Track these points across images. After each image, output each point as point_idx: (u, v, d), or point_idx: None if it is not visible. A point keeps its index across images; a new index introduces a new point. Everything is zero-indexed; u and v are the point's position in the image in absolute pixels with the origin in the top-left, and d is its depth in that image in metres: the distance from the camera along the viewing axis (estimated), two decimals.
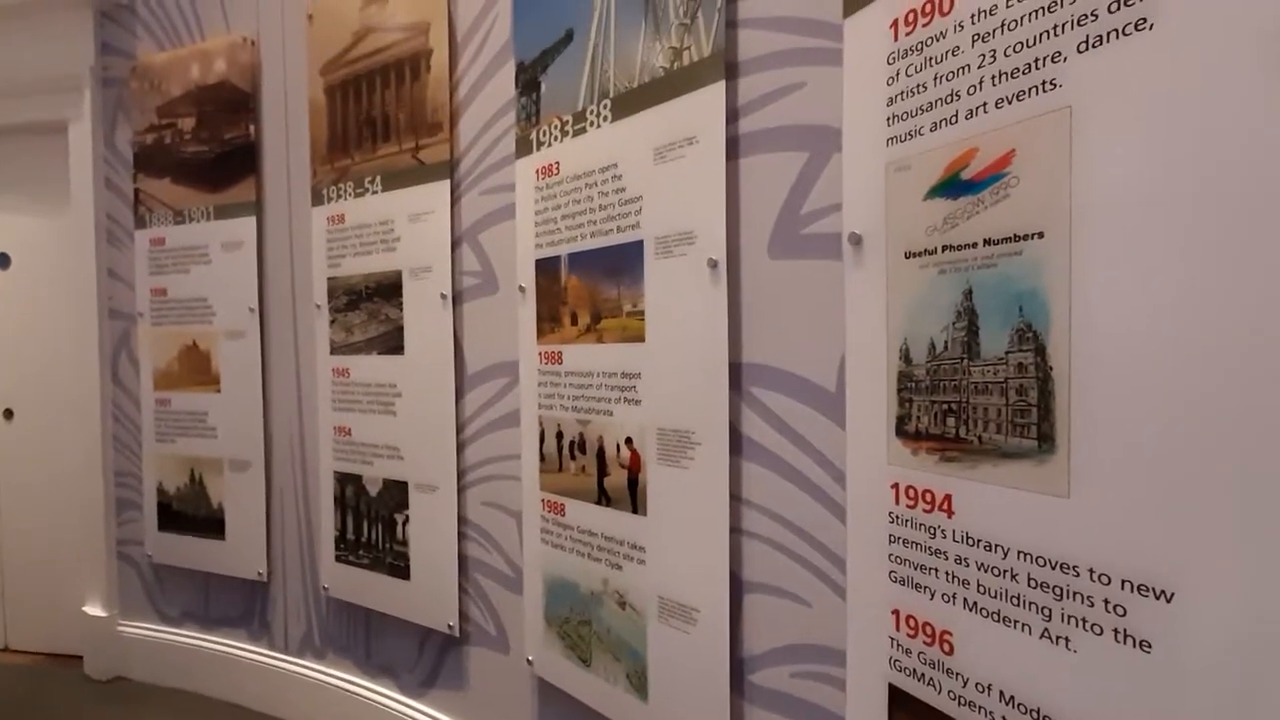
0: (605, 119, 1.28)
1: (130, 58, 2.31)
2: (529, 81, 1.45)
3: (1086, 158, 0.65)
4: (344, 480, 1.95)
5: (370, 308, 1.85)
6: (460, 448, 1.70)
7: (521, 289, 1.50)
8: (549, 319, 1.44)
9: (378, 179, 1.81)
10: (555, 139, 1.40)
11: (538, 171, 1.44)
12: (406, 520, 1.81)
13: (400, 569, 1.82)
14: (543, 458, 1.47)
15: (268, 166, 2.10)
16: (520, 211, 1.49)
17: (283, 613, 2.16)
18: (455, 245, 1.68)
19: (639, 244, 1.23)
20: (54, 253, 2.49)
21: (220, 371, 2.18)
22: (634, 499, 1.27)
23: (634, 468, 1.26)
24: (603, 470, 1.33)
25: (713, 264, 1.10)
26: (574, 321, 1.37)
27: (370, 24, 1.80)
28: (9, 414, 2.59)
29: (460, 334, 1.69)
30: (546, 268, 1.43)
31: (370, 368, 1.86)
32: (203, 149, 2.18)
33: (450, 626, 1.72)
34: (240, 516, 2.18)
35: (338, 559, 1.97)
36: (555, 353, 1.42)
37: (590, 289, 1.33)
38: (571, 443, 1.40)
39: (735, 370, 1.10)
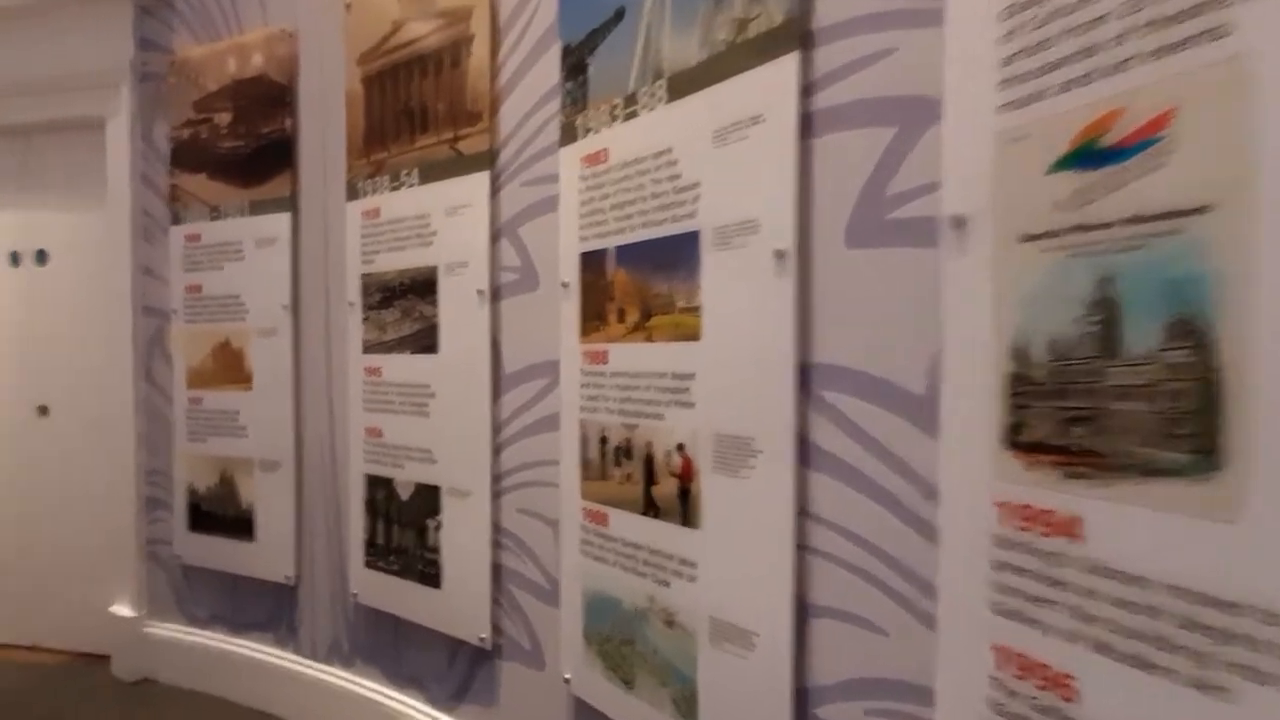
0: (660, 100, 1.19)
1: (168, 53, 2.30)
2: (575, 65, 1.38)
3: (1271, 116, 0.54)
4: (374, 483, 1.88)
5: (404, 305, 1.78)
6: (495, 452, 1.62)
7: (564, 285, 1.41)
8: (594, 316, 1.35)
9: (415, 171, 1.74)
10: (604, 124, 1.31)
11: (584, 160, 1.36)
12: (438, 526, 1.73)
13: (431, 577, 1.75)
14: (585, 464, 1.38)
15: (304, 161, 2.06)
16: (564, 203, 1.41)
17: (311, 618, 2.10)
18: (494, 239, 1.61)
19: (694, 235, 1.14)
20: (90, 249, 2.49)
21: (252, 370, 2.14)
22: (685, 510, 1.17)
23: (686, 476, 1.17)
24: (651, 478, 1.23)
25: (779, 255, 1.00)
26: (621, 319, 1.29)
27: (410, 12, 1.74)
28: (44, 411, 2.59)
29: (497, 332, 1.61)
30: (592, 262, 1.35)
31: (403, 367, 1.79)
32: (239, 144, 2.15)
33: (482, 639, 1.64)
34: (269, 518, 2.13)
35: (367, 564, 1.91)
36: (600, 352, 1.34)
37: (640, 284, 1.24)
38: (617, 448, 1.31)
39: (804, 371, 1.00)
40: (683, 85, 1.15)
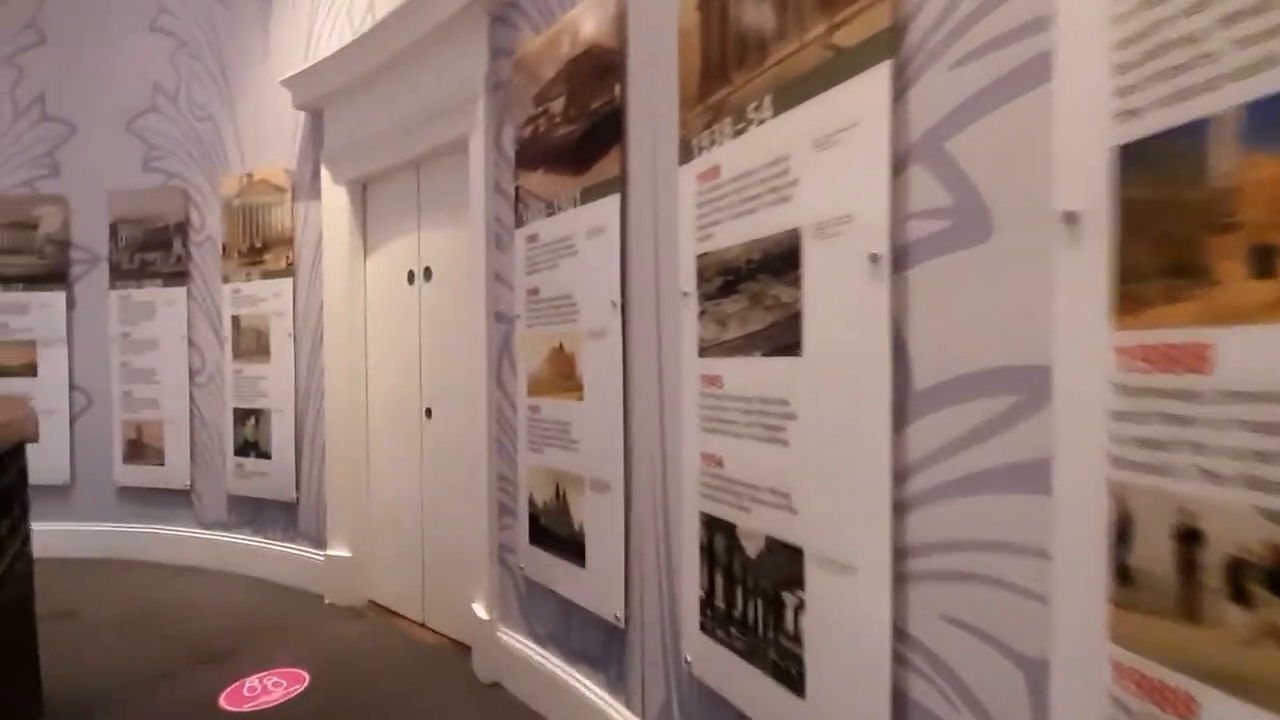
0: None
1: (512, 54, 2.27)
2: None
3: None
4: (712, 526, 1.44)
5: (752, 290, 1.30)
6: (897, 512, 1.01)
7: (1067, 218, 0.73)
8: (1158, 272, 0.64)
9: (765, 101, 1.25)
10: None
11: None
12: (799, 606, 1.20)
13: (791, 677, 1.22)
14: (1123, 575, 0.68)
15: (633, 129, 1.76)
16: (1067, 58, 0.74)
17: (640, 669, 1.78)
18: (898, 170, 1.00)
19: None
20: (461, 262, 2.64)
21: (582, 377, 1.93)
22: None
23: None
24: None
25: None
26: (1267, 269, 0.56)
27: None
28: (429, 413, 2.86)
29: (902, 320, 1.00)
30: (1150, 160, 0.64)
31: (750, 375, 1.31)
32: (571, 128, 1.96)
33: None
34: (599, 545, 1.88)
35: (703, 628, 1.47)
36: (1176, 348, 0.62)
37: None
38: (1233, 563, 0.58)
39: None
40: None
